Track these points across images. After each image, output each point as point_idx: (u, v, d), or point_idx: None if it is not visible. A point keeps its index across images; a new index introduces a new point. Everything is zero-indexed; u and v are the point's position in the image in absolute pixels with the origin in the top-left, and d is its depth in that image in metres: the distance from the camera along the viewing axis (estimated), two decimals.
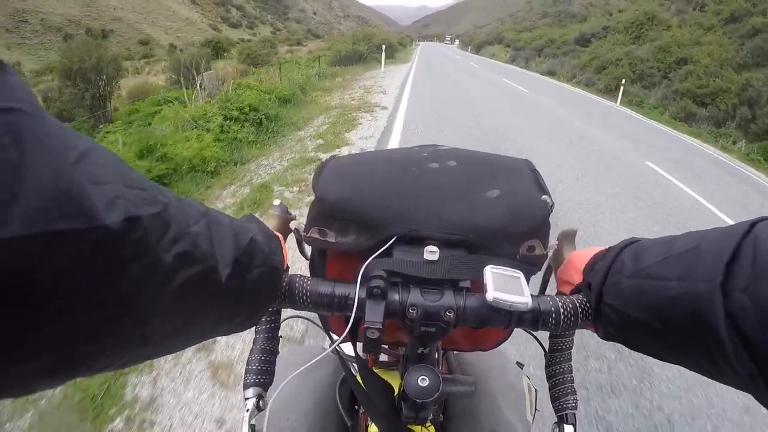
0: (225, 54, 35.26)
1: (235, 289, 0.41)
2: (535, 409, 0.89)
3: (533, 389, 0.92)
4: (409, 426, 0.64)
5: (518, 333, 0.68)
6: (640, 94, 19.51)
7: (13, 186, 0.21)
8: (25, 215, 0.21)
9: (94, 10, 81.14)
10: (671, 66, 21.18)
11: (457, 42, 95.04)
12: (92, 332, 0.27)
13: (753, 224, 0.37)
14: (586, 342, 2.57)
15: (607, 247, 0.54)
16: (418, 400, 0.53)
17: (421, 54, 35.13)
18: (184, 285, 0.33)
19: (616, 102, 17.22)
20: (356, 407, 0.86)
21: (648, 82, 21.01)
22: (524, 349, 2.27)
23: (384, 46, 17.77)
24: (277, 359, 0.70)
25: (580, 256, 0.59)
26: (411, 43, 60.66)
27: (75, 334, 0.26)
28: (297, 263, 1.16)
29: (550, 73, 26.72)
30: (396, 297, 0.51)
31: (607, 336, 0.51)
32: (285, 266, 0.54)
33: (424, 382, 0.53)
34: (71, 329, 0.26)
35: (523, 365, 0.98)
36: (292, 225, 0.68)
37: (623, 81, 18.38)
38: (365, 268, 0.52)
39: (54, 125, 0.25)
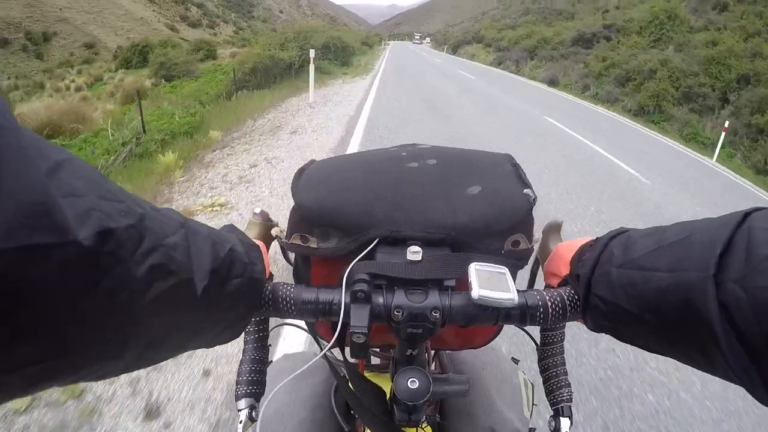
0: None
1: (214, 300, 0.40)
2: (533, 404, 0.88)
3: (530, 384, 0.91)
4: (403, 429, 0.62)
5: (512, 330, 0.67)
6: (693, 121, 14.60)
7: None
8: (0, 229, 0.21)
9: (38, 11, 73.98)
10: (730, 85, 15.95)
11: (427, 40, 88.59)
12: (70, 345, 0.27)
13: (747, 214, 0.36)
14: None
15: (594, 237, 0.54)
16: (409, 403, 0.53)
17: (390, 57, 29.51)
18: (159, 297, 0.33)
19: (674, 140, 12.43)
20: (353, 413, 0.83)
21: (699, 105, 15.87)
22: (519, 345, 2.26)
23: (313, 52, 9.84)
24: (268, 368, 0.70)
25: (567, 247, 0.58)
26: (380, 42, 55.15)
27: (53, 347, 0.26)
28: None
29: (552, 83, 21.80)
30: (381, 300, 0.51)
31: (596, 328, 0.50)
32: (267, 275, 0.54)
33: (413, 384, 0.53)
34: (49, 342, 0.26)
35: (518, 361, 0.95)
36: (274, 232, 0.67)
37: (725, 125, 11.50)
38: (348, 272, 0.52)
39: (28, 137, 0.25)
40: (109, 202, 0.29)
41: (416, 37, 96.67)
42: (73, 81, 29.86)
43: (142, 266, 0.31)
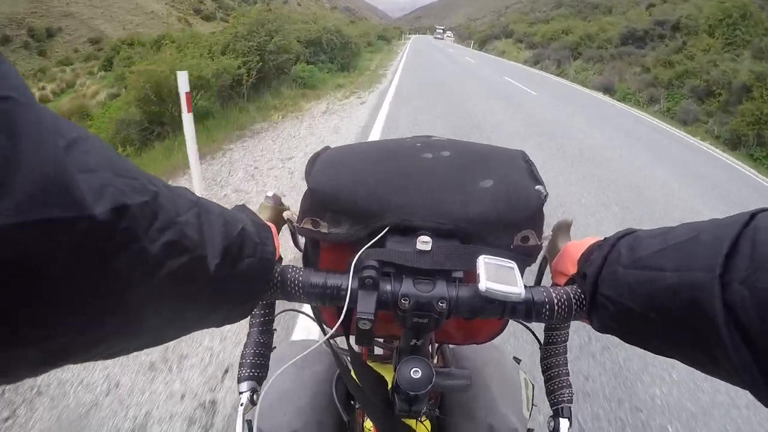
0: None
1: (225, 278, 0.41)
2: (532, 404, 0.87)
3: (530, 384, 0.90)
4: (404, 421, 0.64)
5: (515, 329, 0.60)
6: None
7: (5, 174, 0.21)
8: (17, 204, 0.21)
9: (42, 6, 71.45)
10: None
11: (449, 34, 78.58)
12: (86, 321, 0.27)
13: (753, 215, 0.36)
14: None
15: (602, 237, 0.54)
16: (410, 393, 0.53)
17: (411, 56, 24.10)
18: (173, 274, 0.33)
19: None
20: (353, 402, 0.85)
21: None
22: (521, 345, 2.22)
23: (185, 80, 3.74)
24: (272, 354, 0.70)
25: (575, 246, 0.59)
26: (399, 37, 51.17)
27: (69, 323, 0.26)
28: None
29: (608, 90, 17.66)
30: (388, 287, 0.51)
31: (602, 328, 0.50)
32: (277, 257, 0.54)
33: (416, 374, 0.53)
34: (65, 317, 0.26)
35: (520, 360, 0.94)
36: (285, 215, 0.70)
37: None
38: (357, 258, 0.53)
39: (46, 113, 0.25)
40: (124, 179, 0.29)
41: (438, 30, 78.58)
42: (43, 88, 26.14)
43: (157, 243, 0.31)
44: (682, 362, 0.43)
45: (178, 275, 0.34)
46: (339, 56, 13.83)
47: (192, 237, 0.35)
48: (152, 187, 0.32)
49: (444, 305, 0.50)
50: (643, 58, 21.48)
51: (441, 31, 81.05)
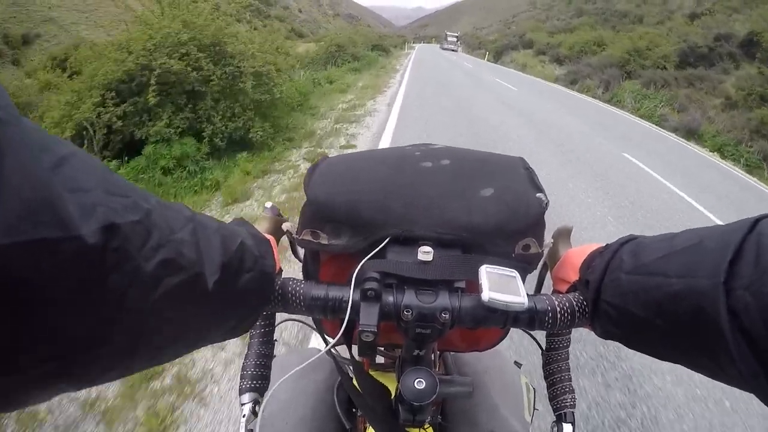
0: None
1: (225, 294, 0.40)
2: (534, 409, 0.87)
3: (531, 388, 0.90)
4: (406, 429, 0.63)
5: (515, 334, 0.60)
6: None
7: None
8: (3, 225, 0.21)
9: (23, 10, 67.03)
10: None
11: (448, 44, 60.68)
12: (82, 342, 0.27)
13: (756, 221, 0.36)
14: None
15: (604, 244, 0.54)
16: (415, 403, 0.53)
17: (415, 75, 16.92)
18: (170, 293, 0.32)
19: None
20: (354, 410, 0.85)
21: None
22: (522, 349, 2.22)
23: None
24: (273, 363, 0.70)
25: (577, 253, 0.59)
26: (403, 46, 46.12)
27: (65, 345, 0.26)
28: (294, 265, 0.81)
29: (691, 133, 12.43)
30: (390, 299, 0.52)
31: (605, 334, 0.50)
32: (277, 269, 0.54)
33: (420, 384, 0.54)
34: (60, 339, 0.25)
35: (521, 365, 0.94)
36: (285, 227, 0.69)
37: None
38: (359, 269, 0.53)
39: (33, 131, 0.25)
40: (114, 197, 0.28)
41: (449, 38, 55.68)
42: None
43: (151, 262, 0.30)
44: (687, 367, 0.42)
45: (175, 294, 0.33)
46: (278, 111, 6.65)
47: (188, 255, 0.35)
48: (145, 205, 0.31)
49: (447, 316, 0.50)
50: (721, 84, 16.29)
51: (454, 39, 56.85)
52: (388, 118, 8.16)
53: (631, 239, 0.50)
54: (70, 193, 0.25)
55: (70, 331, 0.26)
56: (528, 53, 36.89)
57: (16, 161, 0.22)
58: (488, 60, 39.43)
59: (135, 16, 7.33)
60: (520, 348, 2.34)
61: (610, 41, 29.78)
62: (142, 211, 0.31)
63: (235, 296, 0.43)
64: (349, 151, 6.08)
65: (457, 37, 58.15)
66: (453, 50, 50.58)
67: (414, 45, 60.80)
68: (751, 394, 0.36)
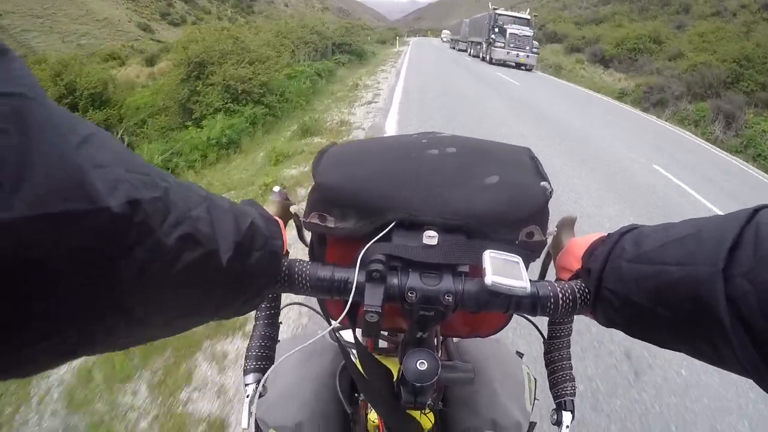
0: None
1: (236, 272, 0.41)
2: (535, 398, 0.88)
3: (533, 378, 0.91)
4: (409, 412, 0.64)
5: (517, 324, 0.67)
6: None
7: (20, 170, 0.22)
8: (31, 198, 0.22)
9: None
10: None
11: (447, 37, 47.98)
12: (103, 313, 0.28)
13: (755, 211, 0.37)
14: None
15: (606, 233, 0.55)
16: (416, 384, 0.54)
17: (413, 100, 9.01)
18: (187, 267, 0.34)
19: None
20: (356, 395, 0.86)
21: None
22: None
23: None
24: (278, 346, 0.71)
25: (579, 243, 0.59)
26: (393, 42, 36.02)
27: (86, 315, 0.27)
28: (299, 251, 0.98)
29: None
30: (395, 281, 0.52)
31: (607, 322, 0.51)
32: (285, 251, 0.56)
33: (422, 365, 0.55)
34: (82, 310, 0.26)
35: (522, 354, 0.96)
36: (292, 210, 0.70)
37: None
38: (364, 252, 0.54)
39: (57, 110, 0.26)
40: (135, 175, 0.29)
41: (464, 28, 30.39)
42: None
43: (171, 237, 0.31)
44: (687, 354, 0.43)
45: (192, 268, 0.34)
46: None
47: (204, 231, 0.36)
48: (163, 183, 0.32)
49: (450, 299, 0.51)
50: None
51: (469, 27, 30.09)
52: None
53: (632, 228, 0.50)
54: (95, 168, 0.26)
55: (94, 302, 0.27)
56: (556, 49, 28.95)
57: (44, 138, 0.23)
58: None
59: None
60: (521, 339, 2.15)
61: (666, 37, 22.10)
62: (160, 188, 0.31)
63: (245, 274, 0.43)
64: None
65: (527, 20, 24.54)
66: (461, 48, 31.38)
67: (408, 40, 50.35)
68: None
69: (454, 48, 35.81)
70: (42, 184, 0.22)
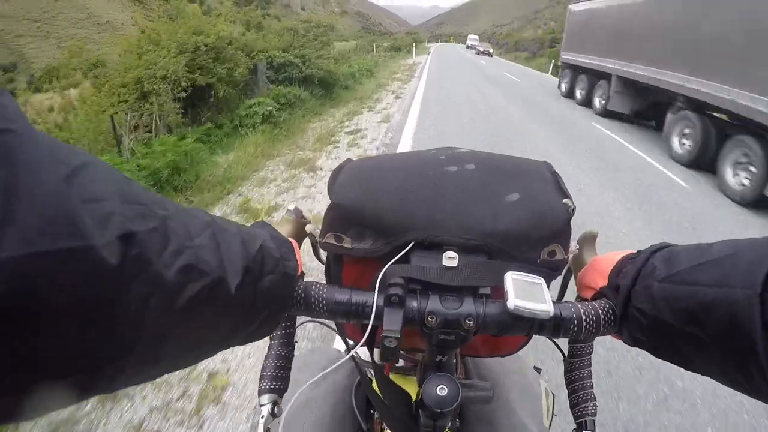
0: None
1: (247, 298, 0.40)
2: (552, 414, 0.87)
3: (551, 394, 0.89)
4: None
5: (535, 339, 0.66)
6: None
7: (7, 208, 0.21)
8: (18, 237, 0.21)
9: None
10: None
11: (476, 43, 46.42)
12: (106, 355, 0.27)
13: None
14: None
15: (635, 251, 0.53)
16: (437, 410, 0.53)
17: None
18: (193, 299, 0.33)
19: None
20: (372, 411, 0.84)
21: None
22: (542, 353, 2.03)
23: None
24: (293, 362, 0.70)
25: (605, 260, 0.57)
26: (409, 50, 28.51)
27: (87, 359, 0.26)
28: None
29: None
30: (414, 304, 0.51)
31: (633, 341, 0.50)
32: (299, 272, 0.53)
33: (443, 391, 0.53)
34: (83, 353, 0.26)
35: (540, 370, 0.94)
36: (308, 229, 0.69)
37: None
38: (383, 274, 0.52)
39: (47, 143, 0.25)
40: (130, 206, 0.28)
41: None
42: None
43: (172, 269, 0.30)
44: (713, 378, 0.42)
45: (198, 300, 0.33)
46: None
47: (209, 259, 0.35)
48: (161, 212, 0.31)
49: (471, 323, 0.50)
50: None
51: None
52: None
53: (663, 247, 0.49)
54: (84, 203, 0.25)
55: (92, 344, 0.26)
56: None
57: (30, 173, 0.23)
58: (551, 73, 24.59)
59: None
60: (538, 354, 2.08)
61: None
62: (158, 218, 0.30)
63: (257, 299, 0.42)
64: None
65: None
66: (475, 48, 36.74)
67: (429, 46, 43.67)
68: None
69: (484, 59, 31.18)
70: (30, 222, 0.22)
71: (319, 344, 2.30)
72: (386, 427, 0.75)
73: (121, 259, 0.26)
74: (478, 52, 37.13)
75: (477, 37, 57.11)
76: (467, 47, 48.66)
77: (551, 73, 24.94)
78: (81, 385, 0.27)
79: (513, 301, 0.48)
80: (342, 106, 9.93)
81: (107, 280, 0.26)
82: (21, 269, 0.21)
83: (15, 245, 0.21)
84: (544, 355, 2.04)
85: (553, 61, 26.00)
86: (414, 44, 30.15)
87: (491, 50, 37.55)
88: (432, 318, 0.50)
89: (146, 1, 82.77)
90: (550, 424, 0.84)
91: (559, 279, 0.69)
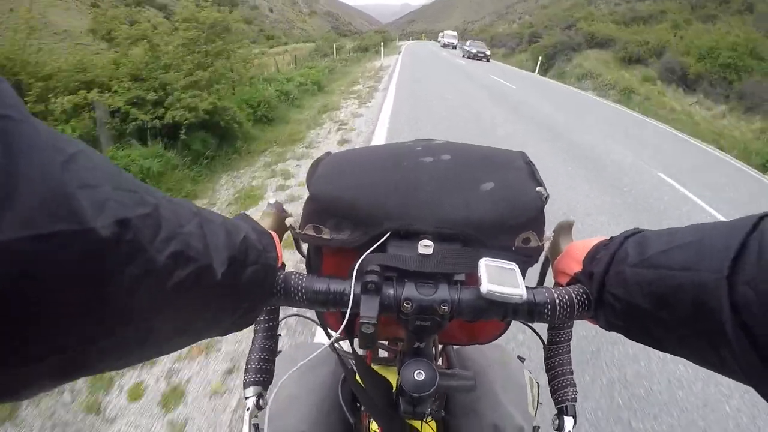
0: None
1: (231, 286, 0.41)
2: (538, 403, 0.88)
3: (535, 383, 0.90)
4: (409, 422, 0.65)
5: (519, 329, 0.72)
6: None
7: (7, 190, 0.22)
8: (18, 219, 0.22)
9: None
10: None
11: (454, 41, 43.15)
12: (96, 333, 0.28)
13: (761, 218, 0.37)
14: None
15: (608, 237, 0.54)
16: (414, 394, 0.54)
17: None
18: (181, 284, 0.34)
19: None
20: (358, 405, 0.85)
21: None
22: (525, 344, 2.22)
23: None
24: (278, 357, 0.72)
25: (579, 246, 0.58)
26: (376, 51, 23.89)
27: (80, 336, 0.27)
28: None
29: None
30: (390, 291, 0.53)
31: (608, 326, 0.51)
32: (280, 263, 0.55)
33: (420, 376, 0.55)
34: (76, 330, 0.26)
35: (524, 359, 0.95)
36: (288, 222, 0.69)
37: None
38: (360, 263, 0.54)
39: (43, 130, 0.26)
40: (123, 193, 0.29)
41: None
42: None
43: (163, 254, 0.31)
44: (688, 359, 0.43)
45: (186, 284, 0.34)
46: None
47: (197, 247, 0.36)
48: (152, 200, 0.32)
49: (446, 308, 0.51)
50: None
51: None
52: None
53: (635, 232, 0.50)
54: (81, 188, 0.26)
55: (87, 322, 0.26)
56: (604, 57, 21.64)
57: (29, 158, 0.23)
58: (539, 73, 23.31)
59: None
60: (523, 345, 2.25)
61: None
62: (150, 205, 0.31)
63: (240, 289, 0.43)
64: None
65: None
66: (479, 57, 27.63)
67: (400, 45, 39.44)
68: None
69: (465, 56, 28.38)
70: (30, 205, 0.22)
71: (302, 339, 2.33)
72: (372, 420, 0.76)
73: (117, 243, 0.27)
74: (471, 56, 28.24)
75: (455, 33, 47.24)
76: (442, 46, 42.13)
77: (539, 73, 23.47)
78: (66, 366, 0.27)
79: (486, 286, 0.49)
80: (243, 166, 5.45)
81: (105, 262, 0.26)
82: (21, 251, 0.22)
83: (15, 227, 0.22)
84: (528, 345, 2.23)
85: (540, 58, 24.54)
86: (383, 44, 25.84)
87: (488, 51, 29.14)
88: (408, 304, 0.51)
89: (106, 5, 79.26)
90: (535, 413, 0.84)
91: (538, 268, 0.70)
